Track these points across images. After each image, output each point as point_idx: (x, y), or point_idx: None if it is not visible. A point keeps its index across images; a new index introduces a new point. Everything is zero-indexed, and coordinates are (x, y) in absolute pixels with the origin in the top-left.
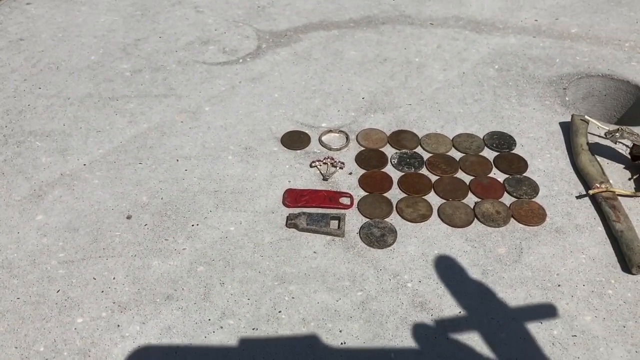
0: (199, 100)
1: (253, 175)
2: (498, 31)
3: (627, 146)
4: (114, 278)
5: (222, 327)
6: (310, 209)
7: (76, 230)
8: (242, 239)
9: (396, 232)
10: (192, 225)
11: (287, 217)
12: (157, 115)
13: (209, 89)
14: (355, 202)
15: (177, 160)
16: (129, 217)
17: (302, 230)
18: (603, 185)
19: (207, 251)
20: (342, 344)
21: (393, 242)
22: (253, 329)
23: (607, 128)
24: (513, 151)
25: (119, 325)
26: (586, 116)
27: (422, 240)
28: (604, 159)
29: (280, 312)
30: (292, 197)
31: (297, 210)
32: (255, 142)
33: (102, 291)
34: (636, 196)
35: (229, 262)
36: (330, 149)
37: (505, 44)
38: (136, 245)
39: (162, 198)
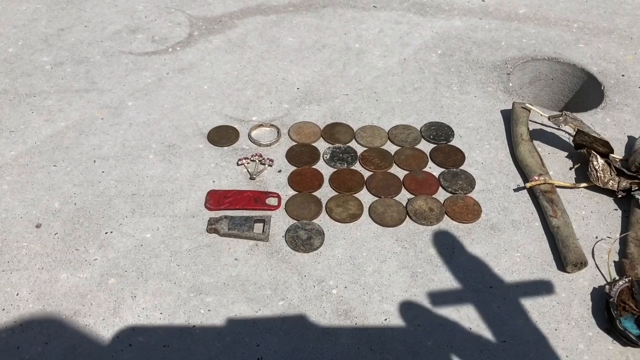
0: (122, 94)
1: (175, 176)
2: (443, 13)
3: (569, 134)
4: (17, 294)
5: (130, 345)
6: (234, 211)
7: None
8: (159, 246)
9: (324, 234)
10: (106, 233)
11: (208, 221)
12: (77, 112)
13: (134, 82)
14: (283, 202)
15: (95, 161)
16: (38, 226)
17: (224, 235)
18: (541, 178)
19: (119, 261)
20: (258, 359)
21: (320, 245)
22: (164, 346)
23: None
24: (451, 143)
25: (18, 347)
26: (527, 104)
27: (351, 242)
28: (547, 147)
29: (194, 326)
30: (215, 199)
31: (219, 214)
32: (180, 139)
33: (4, 309)
34: (576, 187)
35: (143, 273)
36: (259, 144)
37: (449, 27)
38: (44, 256)
39: (75, 203)
